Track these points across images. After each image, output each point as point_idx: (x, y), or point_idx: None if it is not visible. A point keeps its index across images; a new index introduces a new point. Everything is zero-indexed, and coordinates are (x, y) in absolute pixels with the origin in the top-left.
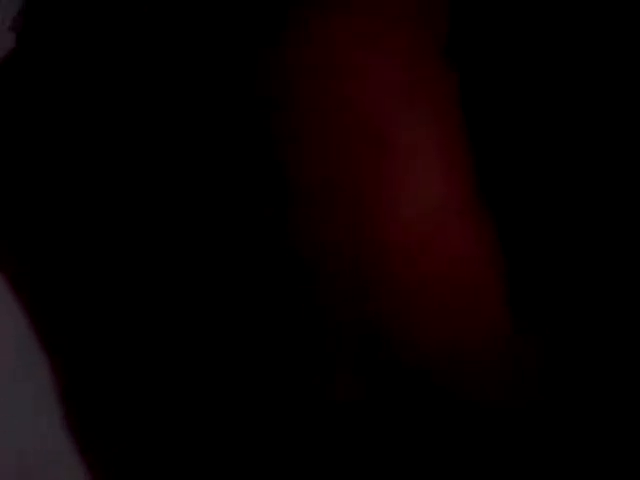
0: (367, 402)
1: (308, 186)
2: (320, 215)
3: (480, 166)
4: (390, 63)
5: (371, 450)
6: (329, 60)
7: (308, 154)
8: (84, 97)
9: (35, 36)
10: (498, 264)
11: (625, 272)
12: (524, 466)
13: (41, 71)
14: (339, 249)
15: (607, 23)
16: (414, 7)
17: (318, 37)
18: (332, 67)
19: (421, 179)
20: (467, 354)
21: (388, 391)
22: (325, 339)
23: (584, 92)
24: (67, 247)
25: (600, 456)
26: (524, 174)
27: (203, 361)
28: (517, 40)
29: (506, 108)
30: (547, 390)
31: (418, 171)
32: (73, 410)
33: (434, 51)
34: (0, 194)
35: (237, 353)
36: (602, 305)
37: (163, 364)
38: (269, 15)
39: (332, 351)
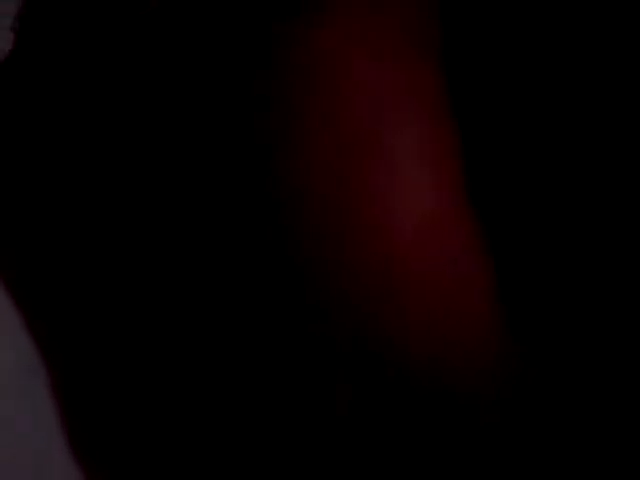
0: (365, 411)
1: (298, 191)
2: (313, 218)
3: (473, 169)
4: (382, 66)
5: (369, 458)
6: (321, 63)
7: (299, 159)
8: (83, 97)
9: (34, 36)
10: (488, 269)
11: (618, 278)
12: (517, 468)
13: (41, 71)
14: (334, 257)
15: (605, 24)
16: (407, 10)
17: (310, 40)
18: (324, 70)
19: (413, 183)
20: (460, 358)
21: (386, 400)
22: (324, 350)
23: (580, 97)
24: (64, 249)
25: (589, 459)
26: (517, 177)
27: (203, 368)
28: (512, 43)
29: (498, 111)
30: (537, 393)
31: (410, 175)
32: (71, 414)
33: (427, 54)
34: None
35: (237, 362)
36: (595, 312)
37: (161, 371)
38: (263, 18)
39: (331, 361)
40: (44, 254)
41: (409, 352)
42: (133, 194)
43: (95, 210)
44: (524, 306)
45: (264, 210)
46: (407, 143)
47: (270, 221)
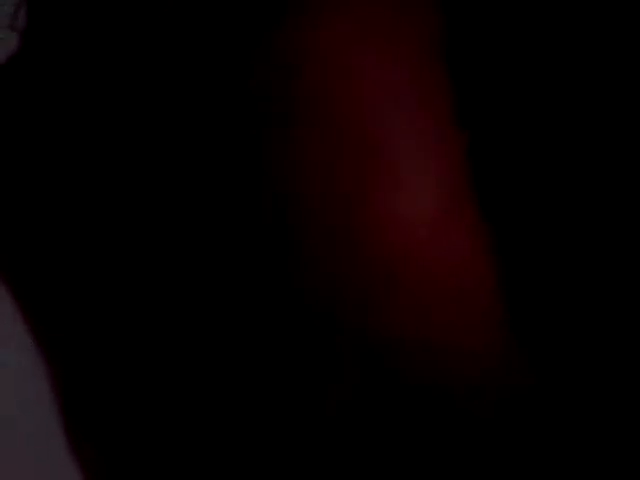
0: (356, 412)
1: (301, 190)
2: (316, 217)
3: (477, 169)
4: (384, 65)
5: (359, 458)
6: (320, 64)
7: (299, 161)
8: (84, 97)
9: (37, 36)
10: (493, 268)
11: (624, 284)
12: (515, 469)
13: (43, 71)
14: (336, 255)
15: (607, 24)
16: (405, 8)
17: (312, 39)
18: (323, 71)
19: (417, 182)
20: (462, 358)
21: (383, 400)
22: (319, 349)
23: (584, 97)
24: (64, 248)
25: (589, 460)
26: (522, 179)
27: (199, 366)
28: (515, 44)
29: (504, 111)
30: (538, 395)
31: (414, 174)
32: (70, 411)
33: (430, 53)
34: None
35: (235, 361)
36: (601, 318)
37: (159, 367)
38: (264, 17)
39: (325, 361)
40: (44, 254)
41: (410, 352)
42: (133, 195)
43: (95, 210)
44: (529, 306)
45: (265, 210)
46: (409, 143)
47: (271, 221)
